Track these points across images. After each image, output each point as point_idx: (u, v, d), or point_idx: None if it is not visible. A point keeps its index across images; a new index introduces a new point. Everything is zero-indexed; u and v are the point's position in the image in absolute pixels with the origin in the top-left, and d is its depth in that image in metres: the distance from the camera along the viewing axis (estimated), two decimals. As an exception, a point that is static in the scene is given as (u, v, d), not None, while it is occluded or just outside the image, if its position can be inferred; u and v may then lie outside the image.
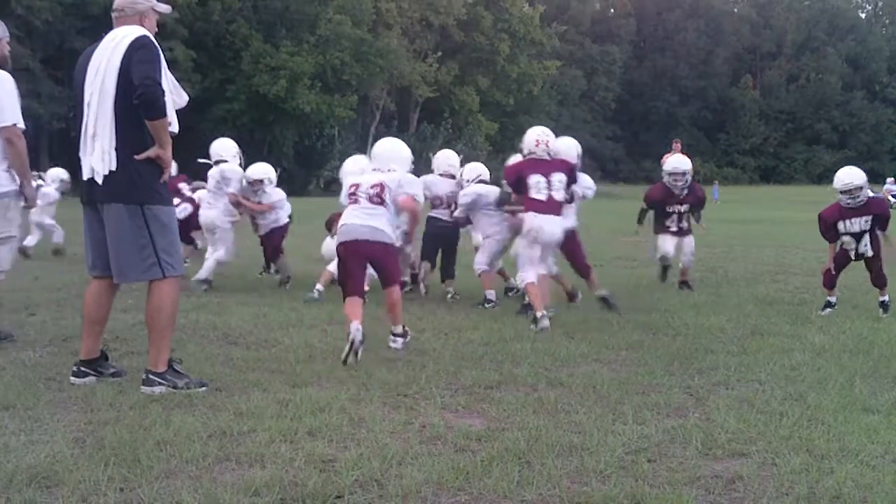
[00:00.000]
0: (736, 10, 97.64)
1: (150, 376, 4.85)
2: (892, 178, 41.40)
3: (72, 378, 4.98)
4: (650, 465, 3.70)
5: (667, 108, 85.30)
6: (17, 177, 5.97)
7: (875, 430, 4.17)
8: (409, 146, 6.81)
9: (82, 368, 5.01)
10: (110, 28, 4.97)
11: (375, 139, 49.50)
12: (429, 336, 6.62)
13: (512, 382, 5.17)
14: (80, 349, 5.07)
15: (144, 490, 3.33)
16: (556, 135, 7.90)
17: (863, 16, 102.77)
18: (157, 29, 5.10)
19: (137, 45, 4.73)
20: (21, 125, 5.88)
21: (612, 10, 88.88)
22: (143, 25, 4.93)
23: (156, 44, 4.86)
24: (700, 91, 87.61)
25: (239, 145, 9.70)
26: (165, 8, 5.17)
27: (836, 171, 8.18)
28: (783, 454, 3.81)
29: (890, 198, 35.70)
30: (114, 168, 4.72)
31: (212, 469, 3.59)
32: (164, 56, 4.89)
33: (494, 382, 5.14)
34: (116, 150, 4.72)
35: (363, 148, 50.79)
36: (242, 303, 8.22)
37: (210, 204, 9.33)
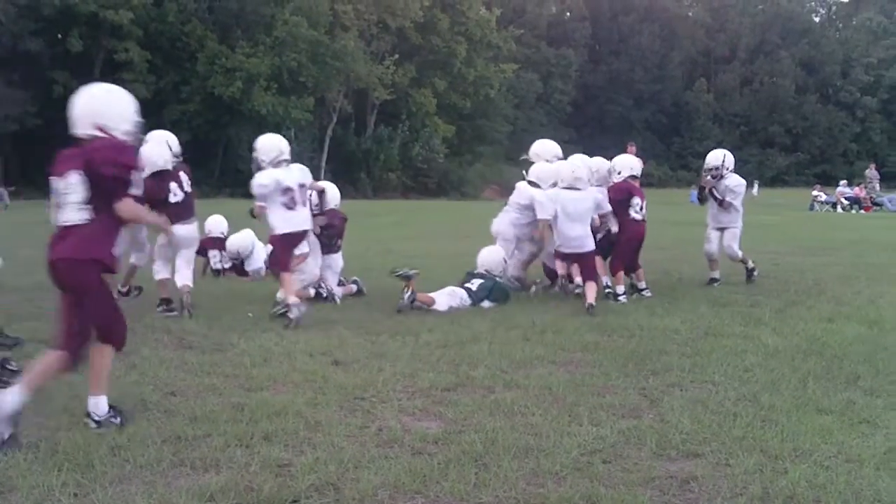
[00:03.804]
0: (690, 14, 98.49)
1: None
2: (845, 181, 42.02)
3: None
4: (605, 466, 3.73)
5: (622, 111, 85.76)
6: None
7: (828, 430, 4.23)
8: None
9: None
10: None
11: (332, 141, 49.62)
12: (385, 339, 6.60)
13: (469, 385, 5.18)
14: None
15: (98, 495, 3.30)
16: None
17: (816, 20, 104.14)
18: None
19: None
20: None
21: (567, 14, 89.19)
22: None
23: None
24: (655, 94, 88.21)
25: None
26: None
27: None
28: (737, 455, 3.85)
29: (843, 200, 36.31)
30: None
31: (166, 474, 3.56)
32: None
33: (451, 385, 5.15)
34: None
35: (320, 150, 50.68)
36: (197, 307, 8.15)
37: None
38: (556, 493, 3.38)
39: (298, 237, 8.01)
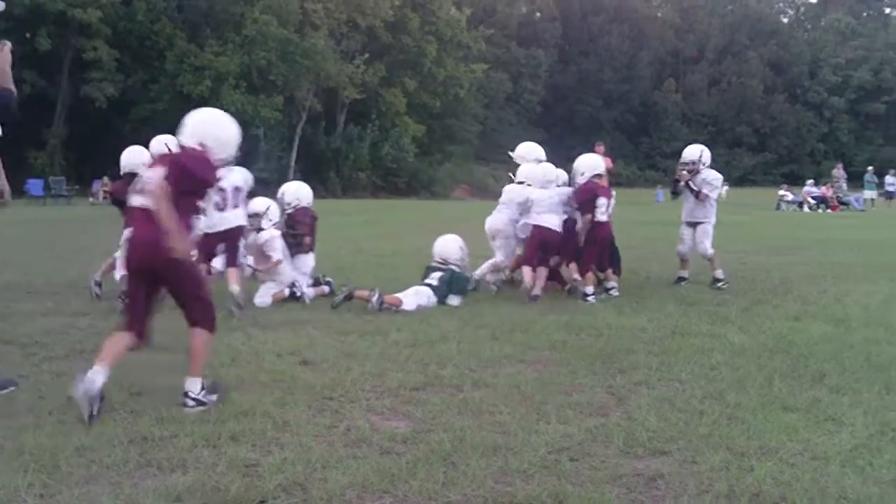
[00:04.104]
0: (659, 14, 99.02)
1: None
2: (812, 181, 42.43)
3: None
4: (573, 464, 3.75)
5: (591, 111, 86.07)
6: None
7: (794, 428, 4.28)
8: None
9: None
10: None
11: (302, 140, 49.42)
12: (354, 339, 6.59)
13: (437, 384, 5.19)
14: None
15: (64, 496, 3.28)
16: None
17: (785, 20, 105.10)
18: None
19: None
20: None
21: (538, 14, 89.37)
22: None
23: None
24: (623, 95, 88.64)
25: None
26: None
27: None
28: (703, 452, 3.89)
29: (810, 199, 36.67)
30: None
31: (133, 475, 3.54)
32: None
33: (420, 384, 5.15)
34: None
35: (289, 149, 50.45)
36: (162, 305, 8.07)
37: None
38: (523, 492, 3.39)
39: (220, 236, 8.19)
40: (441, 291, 8.40)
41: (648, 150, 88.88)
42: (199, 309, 4.86)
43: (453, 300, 8.43)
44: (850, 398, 4.90)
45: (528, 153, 10.20)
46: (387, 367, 5.59)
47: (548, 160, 9.97)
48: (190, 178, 4.73)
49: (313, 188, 9.67)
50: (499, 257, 9.63)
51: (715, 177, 10.19)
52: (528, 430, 4.18)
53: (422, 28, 58.59)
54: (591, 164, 9.41)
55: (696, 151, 10.37)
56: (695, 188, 10.07)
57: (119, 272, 8.21)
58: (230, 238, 8.26)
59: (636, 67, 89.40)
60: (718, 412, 4.55)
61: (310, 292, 8.81)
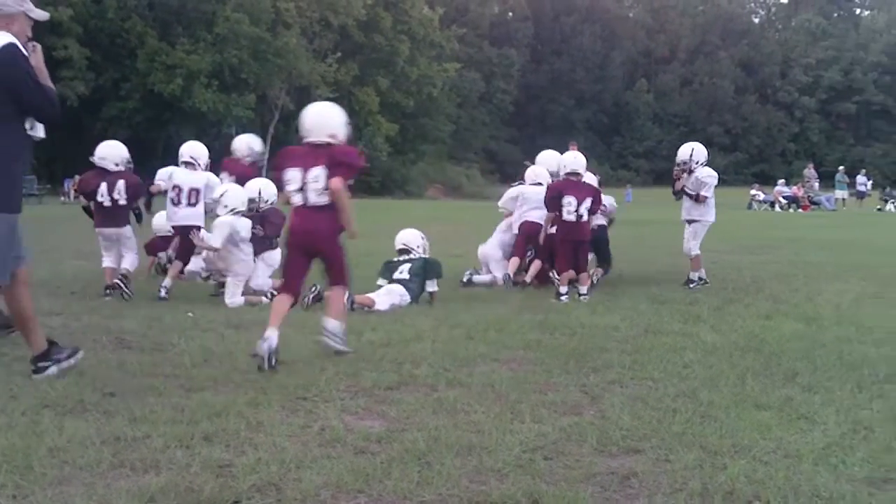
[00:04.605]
0: (631, 14, 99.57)
1: (38, 364, 5.11)
2: (783, 180, 42.80)
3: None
4: (547, 462, 3.76)
5: (563, 111, 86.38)
6: None
7: (766, 426, 4.30)
8: None
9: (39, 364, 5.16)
10: None
11: (274, 139, 49.16)
12: (328, 338, 6.56)
13: (412, 383, 5.18)
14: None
15: (37, 497, 3.25)
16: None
17: (756, 21, 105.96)
18: (29, 34, 5.00)
19: (6, 59, 4.70)
20: None
21: (510, 14, 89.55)
22: (9, 31, 4.80)
23: (20, 52, 4.77)
24: (596, 95, 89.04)
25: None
26: (41, 14, 5.09)
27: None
28: (677, 450, 3.90)
29: (781, 199, 36.99)
30: None
31: (106, 475, 3.51)
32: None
33: (394, 384, 5.14)
34: None
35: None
36: (136, 306, 8.04)
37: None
38: (498, 491, 3.40)
39: (175, 230, 9.18)
40: (414, 283, 8.39)
41: (621, 149, 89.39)
42: (341, 273, 6.13)
43: (431, 285, 8.45)
44: (822, 396, 4.94)
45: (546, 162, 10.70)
46: (361, 366, 5.57)
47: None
48: (353, 170, 6.07)
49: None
50: (498, 276, 10.06)
51: (708, 174, 10.06)
52: (502, 430, 4.18)
53: (394, 27, 58.58)
54: (563, 161, 9.46)
55: (686, 151, 10.33)
56: (691, 192, 10.04)
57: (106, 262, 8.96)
58: (181, 234, 8.93)
59: (608, 67, 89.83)
60: (691, 410, 4.57)
61: (269, 283, 8.92)
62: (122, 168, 8.84)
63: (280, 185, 6.23)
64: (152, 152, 44.38)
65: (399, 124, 59.82)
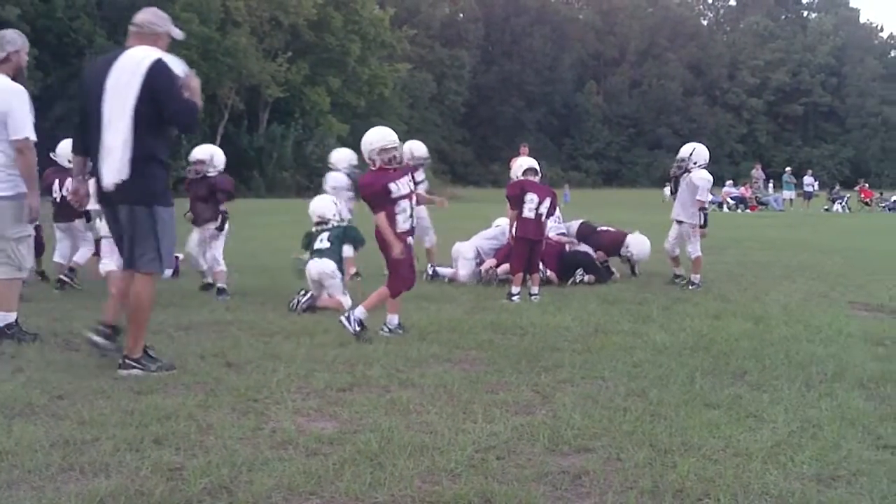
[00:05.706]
0: (581, 16, 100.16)
1: (127, 360, 5.32)
2: (731, 181, 43.37)
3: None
4: (499, 462, 3.77)
5: (514, 112, 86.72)
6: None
7: (716, 424, 4.36)
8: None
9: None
10: None
11: (224, 139, 48.75)
12: (280, 339, 6.54)
13: (364, 384, 5.17)
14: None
15: (-16, 502, 3.19)
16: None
17: (705, 23, 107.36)
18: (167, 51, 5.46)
19: (158, 72, 5.20)
20: (33, 138, 6.30)
21: (461, 15, 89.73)
22: (157, 47, 5.36)
23: (167, 66, 5.27)
24: (546, 96, 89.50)
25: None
26: (179, 34, 5.62)
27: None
28: (627, 449, 3.94)
29: (729, 199, 37.47)
30: (126, 177, 5.17)
31: (55, 479, 3.47)
32: None
33: (347, 385, 5.13)
34: (131, 161, 5.16)
35: (211, 148, 49.74)
36: (85, 307, 7.92)
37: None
38: (451, 491, 3.40)
39: None
40: (335, 248, 8.37)
41: (571, 151, 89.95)
42: (394, 278, 6.85)
43: (348, 251, 8.43)
44: (770, 395, 5.01)
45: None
46: (313, 367, 5.55)
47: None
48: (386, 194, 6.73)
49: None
50: (461, 273, 10.25)
51: (700, 177, 10.05)
52: (454, 430, 4.20)
53: (345, 27, 58.30)
54: (522, 163, 9.52)
55: (687, 149, 10.39)
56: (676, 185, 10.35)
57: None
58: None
59: (558, 69, 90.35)
60: (641, 409, 4.62)
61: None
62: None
63: None
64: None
65: (350, 124, 59.51)
